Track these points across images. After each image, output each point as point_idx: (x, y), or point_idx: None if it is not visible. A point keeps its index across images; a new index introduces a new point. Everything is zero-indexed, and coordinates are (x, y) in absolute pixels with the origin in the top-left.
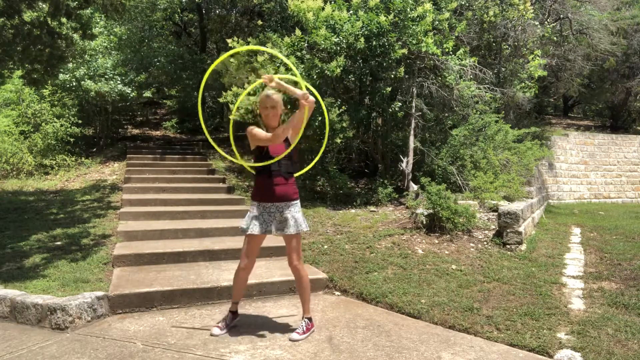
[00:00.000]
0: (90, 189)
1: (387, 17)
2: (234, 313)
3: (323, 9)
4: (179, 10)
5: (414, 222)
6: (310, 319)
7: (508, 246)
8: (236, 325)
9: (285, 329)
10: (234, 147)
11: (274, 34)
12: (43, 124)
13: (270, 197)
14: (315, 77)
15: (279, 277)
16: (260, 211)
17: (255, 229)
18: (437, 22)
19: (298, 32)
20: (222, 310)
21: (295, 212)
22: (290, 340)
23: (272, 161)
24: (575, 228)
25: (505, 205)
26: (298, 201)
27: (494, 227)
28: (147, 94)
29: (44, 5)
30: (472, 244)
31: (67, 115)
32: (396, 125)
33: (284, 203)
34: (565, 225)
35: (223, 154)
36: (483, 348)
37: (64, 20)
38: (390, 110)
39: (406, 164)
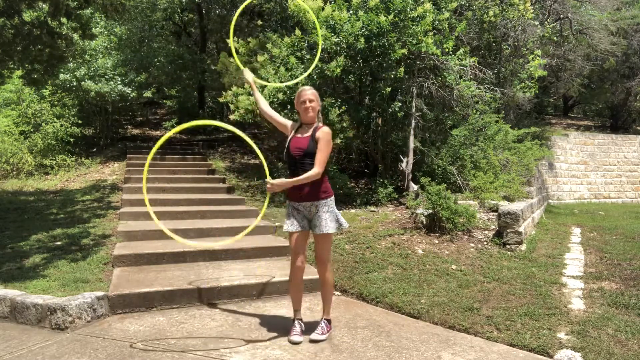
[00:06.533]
0: (90, 189)
1: (387, 17)
2: (300, 320)
3: (323, 9)
4: (179, 10)
5: (414, 222)
6: (329, 321)
7: (508, 246)
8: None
9: (286, 329)
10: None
11: (274, 34)
12: (43, 124)
13: (294, 195)
14: (315, 77)
15: (279, 277)
16: (290, 209)
17: (289, 227)
18: (437, 22)
19: (298, 32)
20: (222, 310)
21: (323, 212)
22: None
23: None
24: (575, 228)
25: (505, 206)
26: (326, 200)
27: (494, 227)
28: (147, 94)
29: (44, 5)
30: (472, 244)
31: (67, 115)
32: (396, 125)
33: (310, 203)
34: (565, 225)
35: None
36: (483, 348)
37: (63, 20)
38: (390, 110)
39: (406, 164)
